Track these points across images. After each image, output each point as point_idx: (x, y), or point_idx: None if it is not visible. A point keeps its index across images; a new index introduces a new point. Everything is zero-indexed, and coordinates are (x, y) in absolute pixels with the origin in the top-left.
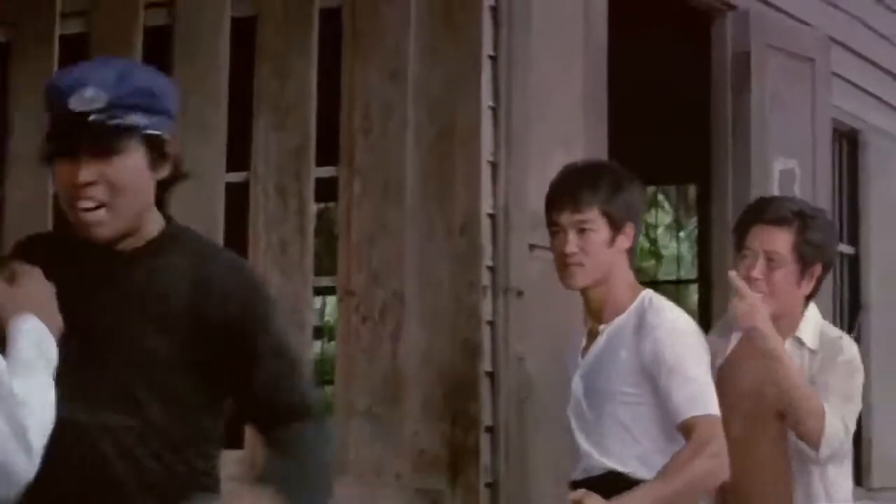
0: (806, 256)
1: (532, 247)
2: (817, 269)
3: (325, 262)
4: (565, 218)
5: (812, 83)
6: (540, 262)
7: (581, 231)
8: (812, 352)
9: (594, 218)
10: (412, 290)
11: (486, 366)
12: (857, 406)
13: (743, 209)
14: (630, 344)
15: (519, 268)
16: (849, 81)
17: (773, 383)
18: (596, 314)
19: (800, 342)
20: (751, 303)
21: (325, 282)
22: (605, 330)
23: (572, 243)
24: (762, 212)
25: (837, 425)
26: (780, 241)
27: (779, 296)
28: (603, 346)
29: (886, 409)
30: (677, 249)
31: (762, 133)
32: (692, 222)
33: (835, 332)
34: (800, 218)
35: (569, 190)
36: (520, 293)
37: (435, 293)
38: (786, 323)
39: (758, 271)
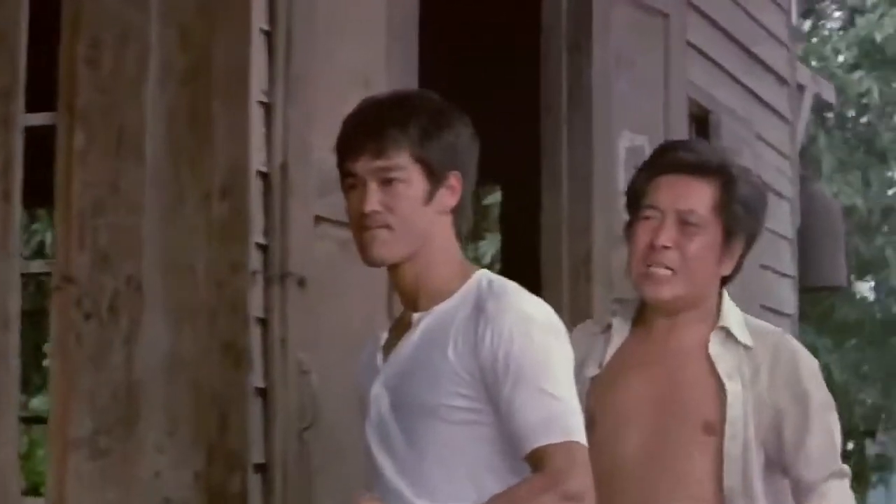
0: (731, 222)
1: (319, 219)
2: (740, 243)
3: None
4: (363, 166)
5: (665, 43)
6: (330, 240)
7: (386, 183)
8: (747, 348)
9: (404, 165)
10: (153, 277)
11: (257, 380)
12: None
13: (642, 163)
14: (460, 340)
15: (301, 247)
16: (701, 52)
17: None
18: (409, 299)
19: (726, 333)
20: None
21: (36, 266)
22: (422, 320)
23: (374, 199)
24: (674, 157)
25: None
26: (700, 197)
27: (694, 273)
28: (418, 341)
29: None
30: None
31: (605, 101)
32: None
33: (762, 323)
34: (725, 169)
35: (369, 127)
36: (302, 281)
37: (184, 281)
38: (699, 313)
39: (666, 237)
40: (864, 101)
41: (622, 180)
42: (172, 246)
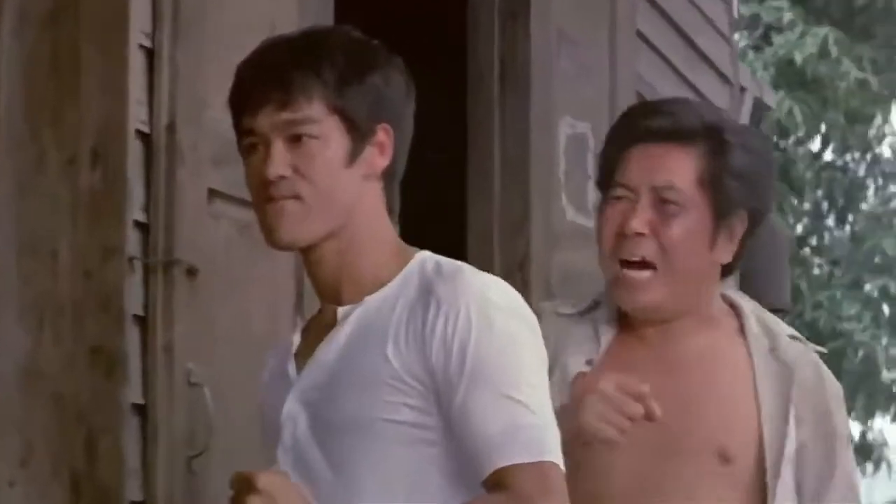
0: (722, 198)
1: (215, 194)
2: (741, 222)
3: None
4: (265, 120)
5: (612, 23)
6: (228, 221)
7: (295, 141)
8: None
9: (318, 117)
10: (4, 264)
11: (134, 395)
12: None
13: (611, 129)
14: (403, 336)
15: (191, 228)
16: (646, 41)
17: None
18: (329, 290)
19: (766, 340)
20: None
21: None
22: (349, 316)
23: (280, 161)
24: (647, 122)
25: None
26: (679, 168)
27: (679, 266)
28: (345, 342)
29: None
30: None
31: (545, 80)
32: None
33: (784, 327)
34: (713, 132)
35: (270, 71)
36: (192, 271)
37: (43, 268)
38: (698, 317)
39: (640, 221)
40: (785, 124)
41: (563, 171)
42: (28, 224)
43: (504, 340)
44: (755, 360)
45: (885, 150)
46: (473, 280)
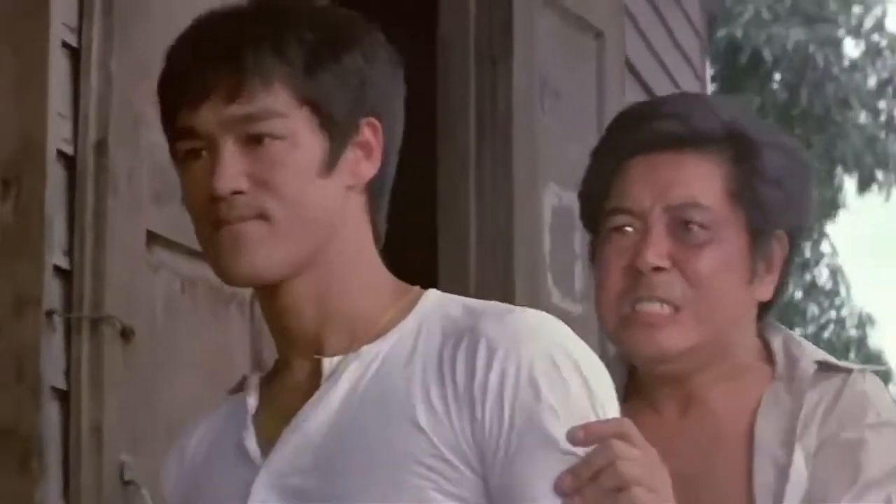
0: (761, 211)
1: (154, 238)
2: (780, 246)
3: None
4: (210, 116)
5: (599, 70)
6: (169, 273)
7: (253, 143)
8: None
9: (282, 110)
10: None
11: (53, 496)
12: None
13: (600, 141)
14: (437, 396)
15: (126, 277)
16: (638, 79)
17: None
18: (302, 341)
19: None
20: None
21: None
22: (343, 370)
23: (234, 170)
24: (651, 126)
25: None
26: (703, 181)
27: (712, 308)
28: (341, 408)
29: None
30: None
31: (528, 137)
32: None
33: (808, 350)
34: (735, 133)
35: (216, 48)
36: (127, 332)
37: None
38: (729, 370)
39: (657, 252)
40: None
41: (547, 249)
42: None
43: (578, 397)
44: (758, 418)
45: (822, 272)
46: (532, 319)
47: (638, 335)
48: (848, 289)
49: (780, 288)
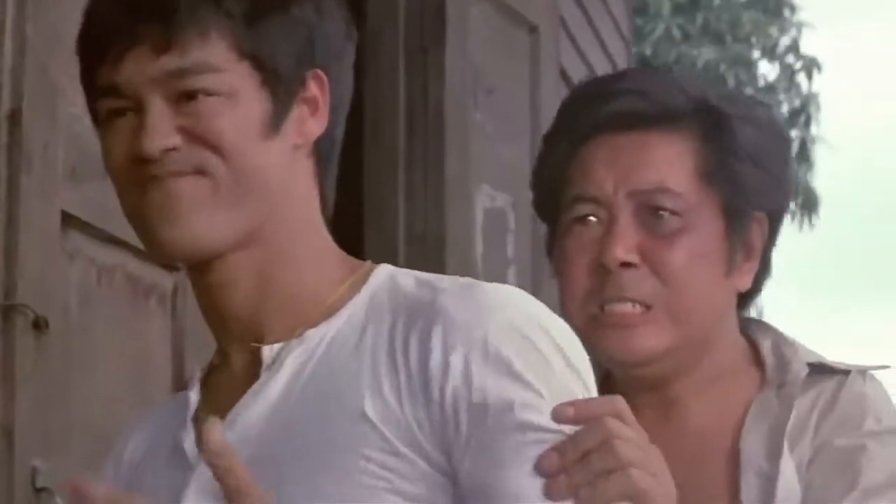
0: (737, 190)
1: (70, 220)
2: (759, 229)
3: None
4: (136, 70)
5: (533, 67)
6: (85, 260)
7: (185, 100)
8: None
9: (220, 64)
10: None
11: None
12: None
13: (554, 122)
14: (387, 382)
15: (39, 265)
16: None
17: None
18: (241, 324)
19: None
20: None
21: None
22: (284, 357)
23: (164, 126)
24: (612, 104)
25: None
26: (670, 161)
27: (687, 303)
28: (281, 398)
29: None
30: None
31: (461, 134)
32: None
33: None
34: (704, 107)
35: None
36: (40, 323)
37: None
38: (710, 370)
39: (625, 245)
40: None
41: (480, 254)
42: None
43: (564, 379)
44: (745, 429)
45: None
46: (493, 291)
47: (609, 337)
48: (760, 316)
49: (761, 276)
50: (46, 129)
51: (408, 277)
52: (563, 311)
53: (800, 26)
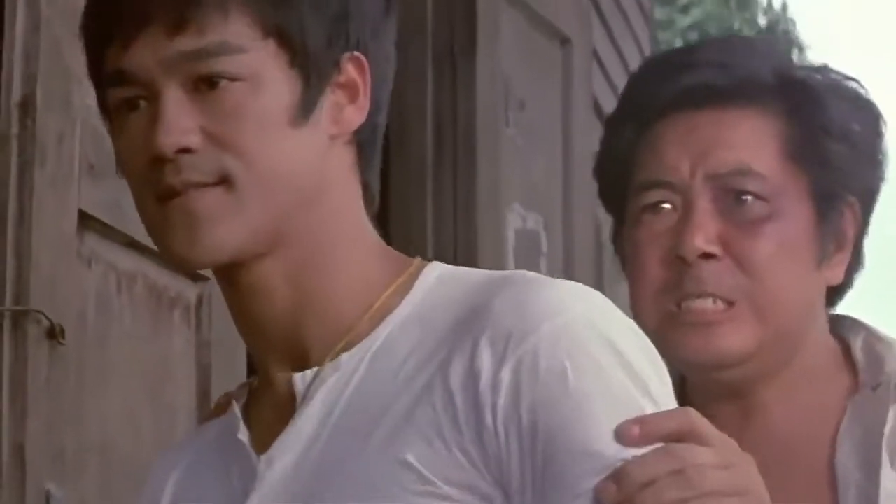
0: (829, 172)
1: (87, 220)
2: (852, 215)
3: None
4: (148, 54)
5: (566, 81)
6: (104, 266)
7: (205, 87)
8: None
9: (243, 44)
10: None
11: None
12: None
13: (621, 99)
14: (427, 420)
15: (54, 268)
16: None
17: None
18: (279, 342)
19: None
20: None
21: None
22: (317, 387)
23: (181, 121)
24: (686, 77)
25: None
26: (754, 140)
27: (775, 298)
28: (317, 430)
29: None
30: None
31: (492, 149)
32: None
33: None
34: (789, 81)
35: None
36: (55, 331)
37: None
38: (798, 372)
39: (705, 235)
40: None
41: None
42: None
43: (619, 385)
44: (839, 440)
45: None
46: (566, 292)
47: (687, 337)
48: None
49: (853, 268)
50: (62, 119)
51: (463, 279)
52: (634, 311)
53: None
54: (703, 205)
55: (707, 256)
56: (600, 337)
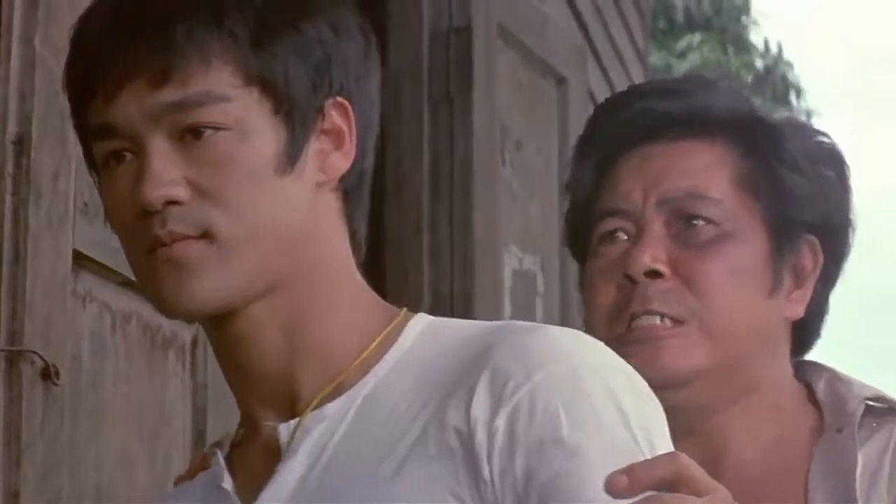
0: (782, 200)
1: (83, 260)
2: (810, 250)
3: None
4: (133, 107)
5: (562, 120)
6: (99, 305)
7: (190, 137)
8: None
9: (226, 93)
10: None
11: None
12: None
13: (582, 135)
14: (417, 479)
15: (49, 309)
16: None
17: None
18: (267, 389)
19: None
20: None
21: None
22: (302, 437)
23: (167, 173)
24: (648, 108)
25: None
26: (708, 167)
27: (724, 321)
28: (296, 489)
29: None
30: None
31: (489, 190)
32: None
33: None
34: (748, 118)
35: (138, 22)
36: (49, 372)
37: None
38: (755, 402)
39: (652, 253)
40: None
41: (508, 315)
42: None
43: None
44: (811, 476)
45: None
46: (560, 338)
47: (636, 354)
48: None
49: (817, 314)
50: (57, 157)
51: (451, 330)
52: (587, 333)
53: (808, 113)
54: (655, 228)
55: (655, 275)
56: (597, 383)
